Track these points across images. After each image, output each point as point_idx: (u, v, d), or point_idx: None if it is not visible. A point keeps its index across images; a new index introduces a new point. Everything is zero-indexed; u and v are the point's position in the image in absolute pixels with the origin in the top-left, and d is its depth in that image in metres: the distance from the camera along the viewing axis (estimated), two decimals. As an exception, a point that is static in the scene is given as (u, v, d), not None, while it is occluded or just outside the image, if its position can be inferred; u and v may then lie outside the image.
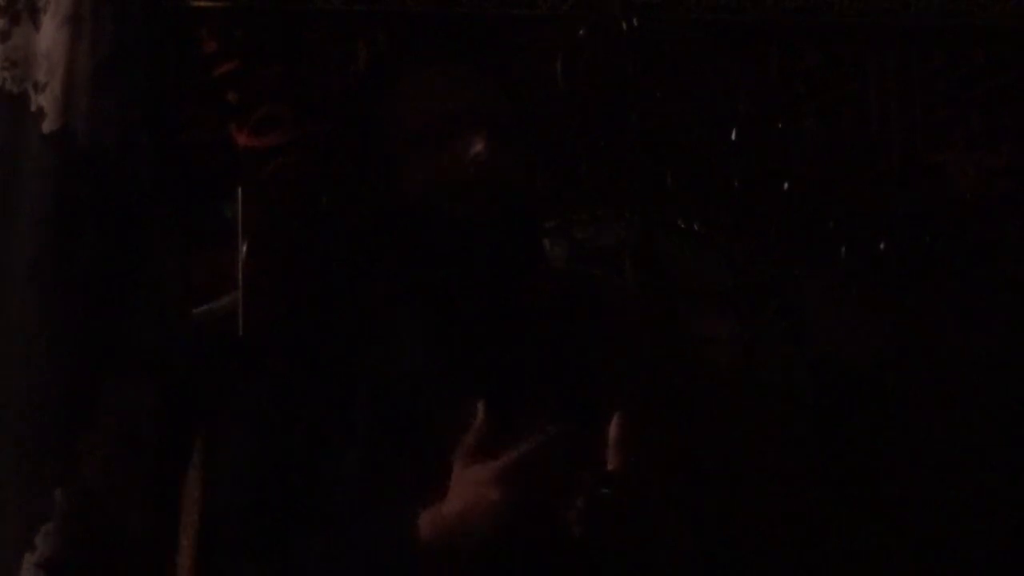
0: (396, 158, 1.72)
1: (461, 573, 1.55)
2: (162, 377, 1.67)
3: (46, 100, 1.63)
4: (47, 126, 1.63)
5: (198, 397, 1.73)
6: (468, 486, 1.55)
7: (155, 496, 1.64)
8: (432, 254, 1.69)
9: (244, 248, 1.95)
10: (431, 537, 1.55)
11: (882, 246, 2.12)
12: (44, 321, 1.61)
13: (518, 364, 1.68)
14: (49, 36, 1.65)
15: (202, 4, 1.99)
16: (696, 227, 2.09)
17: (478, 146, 1.66)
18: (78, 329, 1.62)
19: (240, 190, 1.96)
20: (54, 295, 1.62)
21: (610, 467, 1.56)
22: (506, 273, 1.69)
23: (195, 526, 1.74)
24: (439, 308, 1.70)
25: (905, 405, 2.09)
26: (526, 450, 1.54)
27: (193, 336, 1.76)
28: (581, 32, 2.08)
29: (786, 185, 2.11)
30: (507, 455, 1.54)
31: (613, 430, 1.56)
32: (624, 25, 2.08)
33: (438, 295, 1.70)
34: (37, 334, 1.61)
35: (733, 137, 2.10)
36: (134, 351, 1.64)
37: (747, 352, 2.07)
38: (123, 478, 1.61)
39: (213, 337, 1.89)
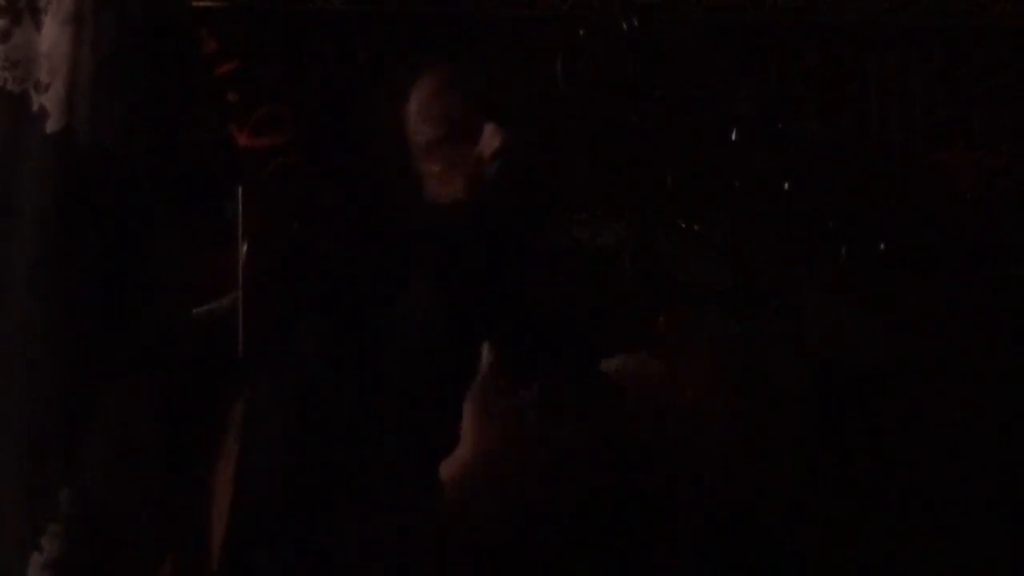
0: (403, 163, 1.74)
1: (496, 514, 1.54)
2: (162, 377, 1.66)
3: (48, 100, 1.63)
4: (50, 126, 1.63)
5: (198, 397, 1.73)
6: (489, 425, 1.53)
7: (157, 496, 1.64)
8: (454, 249, 1.70)
9: (244, 248, 1.95)
10: (455, 482, 1.53)
11: (882, 246, 2.12)
12: (44, 321, 1.61)
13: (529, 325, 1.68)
14: (50, 36, 1.65)
15: (202, 4, 1.99)
16: (696, 227, 2.09)
17: (496, 142, 1.69)
18: (78, 329, 1.62)
19: (240, 190, 1.97)
20: (54, 295, 1.61)
21: None
22: (523, 253, 1.70)
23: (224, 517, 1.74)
24: (451, 286, 1.71)
25: (905, 405, 2.09)
26: (546, 384, 1.53)
27: (193, 336, 1.76)
28: (581, 32, 2.08)
29: (786, 185, 2.11)
30: (527, 391, 1.53)
31: None
32: (624, 25, 2.08)
33: (451, 277, 1.72)
34: (37, 334, 1.61)
35: (733, 137, 2.10)
36: (134, 351, 1.64)
37: (747, 352, 2.07)
38: (124, 478, 1.61)
39: (213, 337, 1.89)
